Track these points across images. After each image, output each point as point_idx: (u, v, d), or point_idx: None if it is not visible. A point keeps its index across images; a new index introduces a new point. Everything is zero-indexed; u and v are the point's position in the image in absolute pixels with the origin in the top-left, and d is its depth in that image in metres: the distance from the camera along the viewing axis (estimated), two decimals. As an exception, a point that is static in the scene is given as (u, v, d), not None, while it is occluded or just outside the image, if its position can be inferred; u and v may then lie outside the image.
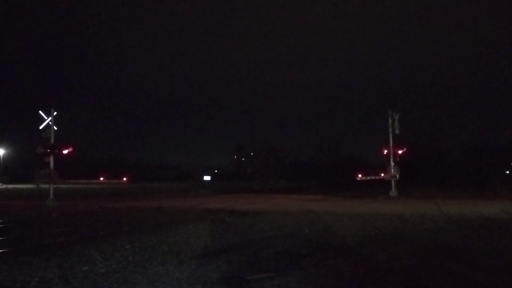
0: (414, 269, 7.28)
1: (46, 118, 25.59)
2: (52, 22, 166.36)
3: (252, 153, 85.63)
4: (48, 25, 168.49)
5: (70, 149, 25.67)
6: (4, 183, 65.61)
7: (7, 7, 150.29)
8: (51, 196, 24.96)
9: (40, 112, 25.71)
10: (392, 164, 29.97)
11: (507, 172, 53.57)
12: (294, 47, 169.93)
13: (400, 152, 30.31)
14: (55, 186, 26.44)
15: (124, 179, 29.98)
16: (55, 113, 25.73)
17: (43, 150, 25.39)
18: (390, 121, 30.38)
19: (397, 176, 29.77)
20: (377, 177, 32.02)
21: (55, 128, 25.68)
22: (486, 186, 32.03)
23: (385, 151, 30.60)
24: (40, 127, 25.58)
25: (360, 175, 33.19)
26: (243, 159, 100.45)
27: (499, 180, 33.97)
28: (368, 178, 32.91)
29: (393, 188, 29.63)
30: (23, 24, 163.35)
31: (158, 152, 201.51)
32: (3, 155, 72.25)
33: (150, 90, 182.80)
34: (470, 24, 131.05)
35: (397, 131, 30.33)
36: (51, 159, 25.19)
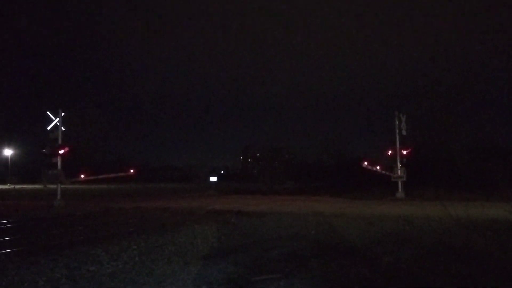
0: (421, 271, 7.25)
1: (54, 119, 25.75)
2: (59, 23, 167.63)
3: (258, 154, 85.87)
4: (55, 27, 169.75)
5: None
6: (12, 183, 66.15)
7: (14, 8, 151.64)
8: (59, 197, 25.11)
9: (48, 113, 25.88)
10: (399, 165, 29.86)
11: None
12: (300, 48, 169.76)
13: (404, 152, 30.17)
14: (63, 186, 26.60)
15: (131, 171, 29.56)
16: (62, 114, 25.90)
17: (50, 150, 25.56)
18: (397, 122, 30.28)
19: (404, 177, 29.64)
20: (383, 172, 31.85)
21: (63, 128, 25.83)
22: (493, 187, 31.77)
23: (392, 152, 30.48)
24: (48, 128, 25.75)
25: (366, 163, 32.82)
26: (249, 160, 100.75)
27: (507, 182, 33.67)
28: (374, 169, 32.61)
29: (400, 190, 29.49)
30: (30, 26, 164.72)
31: (164, 153, 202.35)
32: (11, 156, 72.89)
33: (156, 91, 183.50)
34: (481, 24, 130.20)
35: (404, 132, 30.22)
36: (59, 159, 25.35)
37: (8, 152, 72.70)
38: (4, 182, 67.86)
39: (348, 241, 10.43)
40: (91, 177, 29.79)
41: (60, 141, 25.52)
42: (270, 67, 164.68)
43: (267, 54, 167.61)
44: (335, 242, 10.37)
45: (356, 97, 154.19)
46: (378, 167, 32.55)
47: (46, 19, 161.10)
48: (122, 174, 31.75)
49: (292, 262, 7.99)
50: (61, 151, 25.24)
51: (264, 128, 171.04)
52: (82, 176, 28.81)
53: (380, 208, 20.45)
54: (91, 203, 26.28)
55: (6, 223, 15.86)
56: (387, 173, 30.95)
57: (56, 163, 25.42)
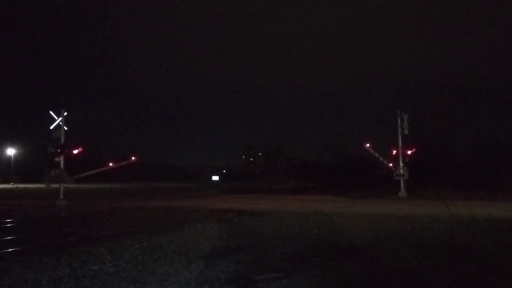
0: (423, 270, 7.25)
1: (56, 118, 25.80)
2: (61, 23, 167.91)
3: (260, 154, 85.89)
4: (57, 27, 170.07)
5: (80, 149, 25.83)
6: (15, 182, 66.34)
7: (17, 10, 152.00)
8: (61, 196, 25.17)
9: (50, 112, 25.94)
10: (401, 164, 29.83)
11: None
12: (302, 47, 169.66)
13: (409, 152, 30.14)
14: (65, 185, 26.65)
15: (133, 158, 29.01)
16: (65, 113, 25.96)
17: (53, 150, 25.61)
18: (399, 121, 30.24)
19: (406, 175, 29.62)
20: (384, 162, 31.78)
21: (66, 128, 25.90)
22: (496, 187, 31.72)
23: (394, 152, 30.46)
24: (51, 127, 25.80)
25: (368, 145, 32.51)
26: (251, 159, 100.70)
27: (509, 181, 33.60)
28: (375, 154, 32.40)
29: (402, 189, 29.45)
30: (33, 27, 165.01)
31: (166, 152, 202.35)
32: (14, 155, 73.09)
33: (158, 91, 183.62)
34: (482, 23, 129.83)
35: (406, 131, 30.16)
36: (61, 159, 25.42)
37: (11, 151, 72.92)
38: (7, 182, 68.08)
39: (350, 241, 10.43)
40: (94, 171, 29.65)
41: (62, 141, 25.59)
42: (272, 66, 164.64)
43: (269, 54, 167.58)
44: (337, 241, 10.37)
45: (358, 96, 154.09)
46: (378, 155, 32.27)
47: (47, 19, 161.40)
48: (124, 163, 31.55)
49: (294, 261, 8.00)
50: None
51: (266, 128, 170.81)
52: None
53: (382, 207, 20.43)
54: (93, 202, 26.33)
55: (9, 222, 15.92)
56: (389, 164, 30.89)
57: (59, 163, 25.48)
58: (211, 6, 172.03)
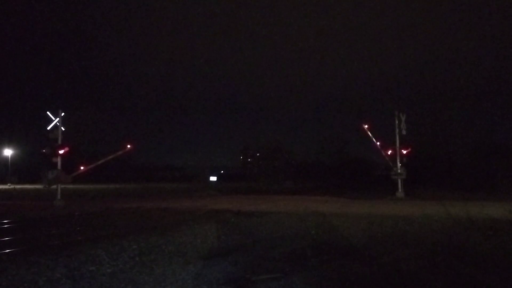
0: (421, 271, 7.26)
1: (53, 119, 25.75)
2: (59, 23, 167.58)
3: (258, 154, 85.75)
4: (55, 27, 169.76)
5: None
6: (12, 183, 66.13)
7: (14, 9, 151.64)
8: (59, 196, 25.11)
9: (48, 113, 25.88)
10: (399, 164, 29.89)
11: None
12: (300, 48, 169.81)
13: (404, 152, 30.18)
14: (63, 186, 26.58)
15: (129, 146, 28.38)
16: (62, 114, 25.89)
17: (50, 150, 25.53)
18: (397, 122, 30.29)
19: (404, 175, 29.65)
20: (382, 151, 31.62)
21: (63, 128, 25.83)
22: (493, 187, 31.81)
23: (391, 152, 30.50)
24: (48, 128, 25.74)
25: (366, 126, 32.18)
26: (249, 160, 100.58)
27: (507, 181, 33.67)
28: (373, 139, 32.09)
29: (400, 189, 29.49)
30: (31, 26, 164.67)
31: (164, 153, 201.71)
32: (11, 156, 72.90)
33: (156, 91, 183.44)
34: (481, 23, 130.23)
35: (404, 132, 30.22)
36: (59, 159, 25.35)
37: (8, 152, 72.70)
38: (4, 182, 67.88)
39: (348, 241, 10.43)
40: (91, 165, 29.50)
41: (60, 141, 25.51)
42: (270, 67, 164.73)
43: (267, 54, 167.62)
44: (335, 241, 10.37)
45: (356, 96, 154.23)
46: (378, 143, 32.07)
47: (46, 19, 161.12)
48: (120, 152, 31.27)
49: (292, 262, 8.00)
50: (61, 151, 25.23)
51: (264, 128, 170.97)
52: (82, 168, 28.50)
53: (380, 207, 20.44)
54: (91, 203, 26.27)
55: (6, 223, 15.86)
56: (385, 153, 30.90)
57: (56, 163, 25.41)
58: (210, 6, 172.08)
